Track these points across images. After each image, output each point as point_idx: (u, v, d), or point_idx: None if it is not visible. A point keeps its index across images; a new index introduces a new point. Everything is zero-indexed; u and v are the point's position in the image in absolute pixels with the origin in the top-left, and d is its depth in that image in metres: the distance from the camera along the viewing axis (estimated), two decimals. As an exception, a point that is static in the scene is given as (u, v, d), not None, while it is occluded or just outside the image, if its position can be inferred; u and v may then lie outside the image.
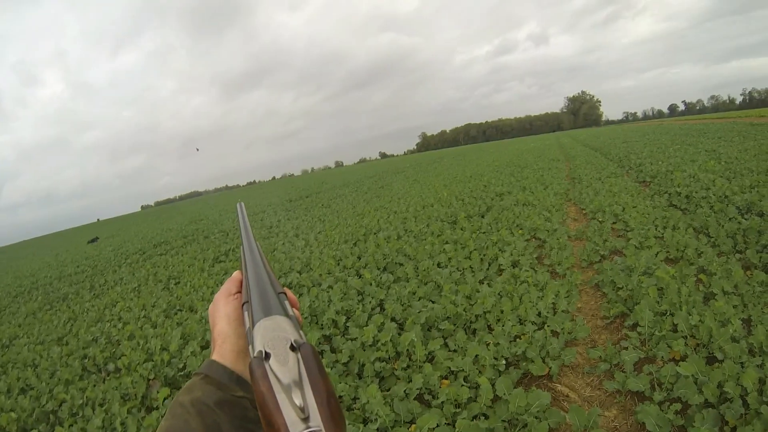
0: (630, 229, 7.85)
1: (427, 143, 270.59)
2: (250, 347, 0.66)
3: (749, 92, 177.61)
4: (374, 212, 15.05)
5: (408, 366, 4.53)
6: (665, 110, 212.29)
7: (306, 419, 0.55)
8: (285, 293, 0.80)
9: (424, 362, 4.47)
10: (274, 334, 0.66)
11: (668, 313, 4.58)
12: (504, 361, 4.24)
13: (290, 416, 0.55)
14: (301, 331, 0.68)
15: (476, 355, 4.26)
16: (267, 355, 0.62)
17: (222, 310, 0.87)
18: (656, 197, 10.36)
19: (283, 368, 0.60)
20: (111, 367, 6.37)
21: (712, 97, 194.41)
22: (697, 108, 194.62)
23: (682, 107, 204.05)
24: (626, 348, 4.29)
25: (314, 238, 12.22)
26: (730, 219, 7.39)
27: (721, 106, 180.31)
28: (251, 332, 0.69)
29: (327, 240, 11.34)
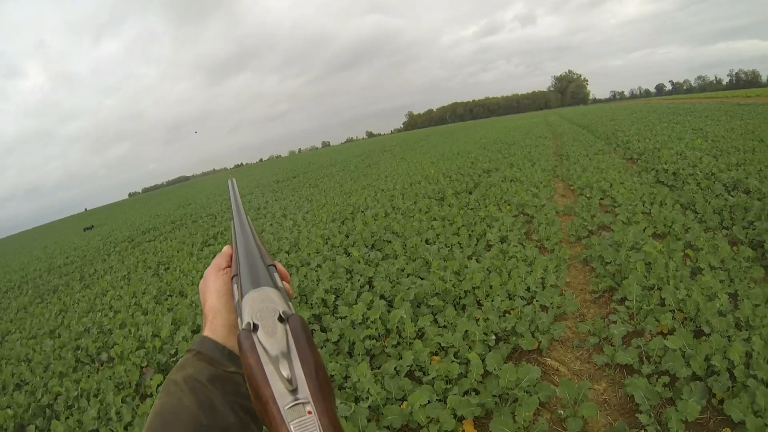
0: (618, 205, 7.89)
1: (414, 122, 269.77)
2: (239, 319, 0.66)
3: (736, 73, 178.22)
4: (361, 191, 15.05)
5: (398, 343, 4.53)
6: (652, 90, 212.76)
7: (294, 391, 0.55)
8: (275, 266, 0.80)
9: (414, 339, 4.48)
10: (262, 305, 0.65)
11: (656, 288, 4.61)
12: (494, 337, 4.25)
13: (278, 388, 0.55)
14: (290, 303, 0.68)
15: (466, 331, 4.26)
16: (255, 327, 0.61)
17: (212, 285, 0.86)
18: (643, 174, 10.39)
19: (271, 340, 0.59)
20: (104, 356, 6.36)
21: (699, 77, 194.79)
22: (684, 88, 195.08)
23: (669, 87, 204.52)
24: (615, 322, 4.32)
25: (302, 218, 12.19)
26: (716, 196, 7.43)
27: (708, 86, 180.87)
28: (240, 304, 0.68)
29: (315, 219, 11.32)
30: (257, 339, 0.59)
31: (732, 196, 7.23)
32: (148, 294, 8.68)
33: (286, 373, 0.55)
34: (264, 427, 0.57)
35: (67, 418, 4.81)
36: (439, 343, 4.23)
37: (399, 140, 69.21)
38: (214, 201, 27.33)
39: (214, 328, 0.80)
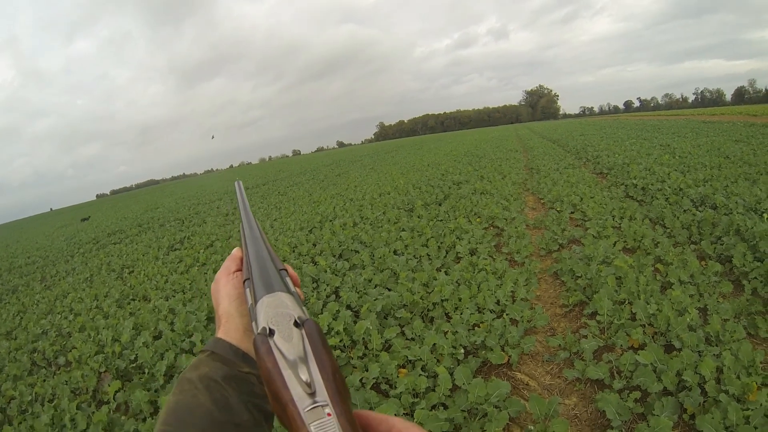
0: (588, 219, 7.90)
1: (385, 133, 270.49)
2: (254, 324, 0.67)
3: (701, 91, 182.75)
4: (330, 200, 14.95)
5: (364, 355, 4.40)
6: (621, 106, 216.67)
7: (313, 394, 0.56)
8: (286, 270, 0.81)
9: (381, 351, 4.34)
10: (277, 310, 0.66)
11: (627, 302, 4.57)
12: (462, 350, 4.14)
13: (297, 391, 0.56)
14: (303, 308, 0.69)
15: (434, 344, 4.15)
16: (271, 332, 0.62)
17: (223, 289, 0.87)
18: (613, 188, 10.44)
19: (288, 344, 0.60)
20: (61, 360, 6.15)
21: (666, 95, 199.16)
22: (652, 105, 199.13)
23: (637, 104, 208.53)
24: (585, 336, 4.25)
25: (270, 225, 12.08)
26: (684, 211, 7.48)
27: (674, 104, 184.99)
28: (254, 309, 0.69)
29: (282, 227, 11.19)
30: (274, 344, 0.60)
31: (700, 211, 7.27)
32: (110, 297, 8.48)
33: (304, 377, 0.57)
34: (276, 426, 0.63)
35: (20, 423, 4.60)
36: (407, 356, 4.10)
37: (370, 150, 69.47)
38: (183, 206, 27.05)
39: (228, 330, 0.81)
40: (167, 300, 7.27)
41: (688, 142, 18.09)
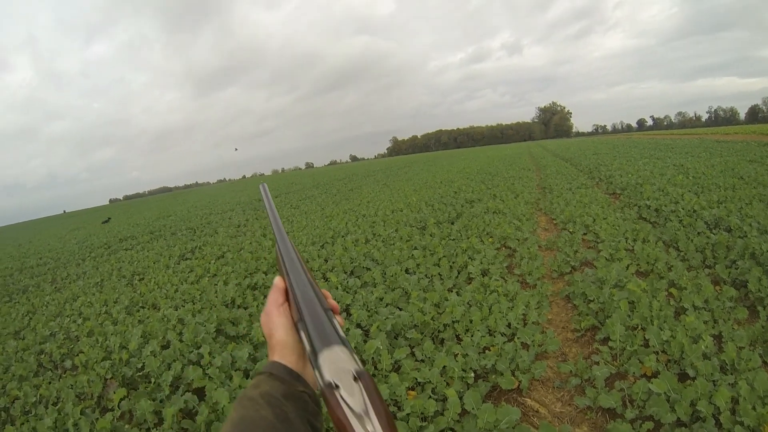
0: (600, 241, 7.83)
1: (398, 148, 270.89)
2: (317, 375, 0.74)
3: (715, 110, 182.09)
4: (343, 215, 14.91)
5: (373, 375, 4.37)
6: (634, 124, 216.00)
7: None
8: (332, 309, 0.88)
9: (390, 372, 4.31)
10: (337, 365, 0.73)
11: (640, 328, 4.51)
12: (473, 374, 4.09)
13: None
14: (356, 357, 0.75)
15: (444, 366, 4.11)
16: (336, 386, 0.70)
17: (276, 321, 0.93)
18: (626, 209, 10.38)
19: (353, 399, 0.68)
20: (68, 363, 6.12)
21: (679, 113, 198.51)
22: (665, 123, 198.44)
23: (650, 122, 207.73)
24: (597, 363, 4.20)
25: (282, 239, 12.00)
26: (699, 233, 7.41)
27: (687, 123, 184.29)
28: (315, 360, 0.76)
29: (294, 241, 11.12)
30: (340, 396, 0.68)
31: (714, 234, 7.21)
32: (119, 303, 8.43)
33: (369, 428, 0.65)
34: None
35: (23, 424, 4.59)
36: (416, 378, 4.07)
37: (382, 165, 69.50)
38: (195, 214, 27.09)
39: (283, 355, 0.89)
40: (176, 309, 7.25)
41: (702, 162, 17.96)
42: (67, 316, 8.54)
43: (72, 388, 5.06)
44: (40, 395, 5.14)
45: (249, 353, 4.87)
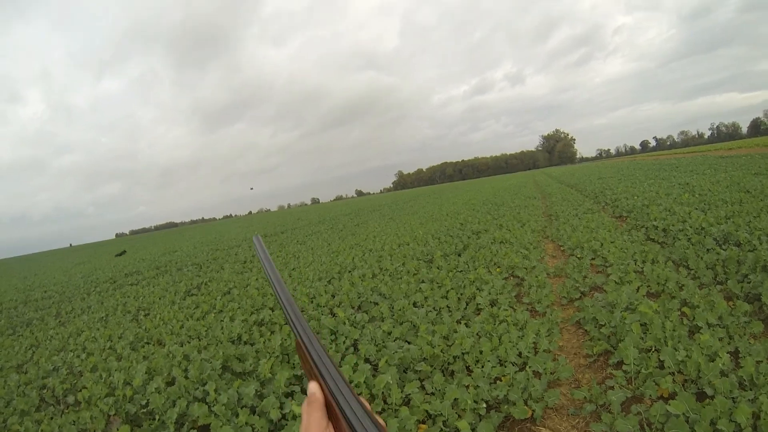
0: (609, 265, 7.75)
1: (404, 181, 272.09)
2: None
3: (716, 126, 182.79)
4: (349, 250, 14.88)
5: (383, 410, 4.26)
6: (637, 146, 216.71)
7: None
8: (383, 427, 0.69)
9: (401, 405, 4.21)
10: None
11: (653, 350, 4.41)
12: (484, 405, 3.99)
13: None
14: None
15: (455, 399, 4.01)
16: None
17: None
18: (633, 232, 10.30)
19: None
20: (71, 399, 6.04)
21: (682, 132, 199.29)
22: (668, 143, 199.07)
23: (653, 143, 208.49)
24: (612, 387, 4.08)
25: (288, 274, 11.98)
26: (708, 250, 7.32)
27: (690, 141, 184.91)
28: None
29: (301, 277, 11.10)
30: None
31: (724, 249, 7.12)
32: (124, 339, 8.36)
33: None
34: None
35: None
36: (427, 411, 3.97)
37: (388, 200, 69.79)
38: (201, 250, 27.09)
39: None
40: (182, 346, 7.18)
41: (707, 178, 17.97)
42: (71, 351, 8.48)
43: (74, 424, 5.01)
44: (42, 431, 5.06)
45: (256, 390, 4.80)
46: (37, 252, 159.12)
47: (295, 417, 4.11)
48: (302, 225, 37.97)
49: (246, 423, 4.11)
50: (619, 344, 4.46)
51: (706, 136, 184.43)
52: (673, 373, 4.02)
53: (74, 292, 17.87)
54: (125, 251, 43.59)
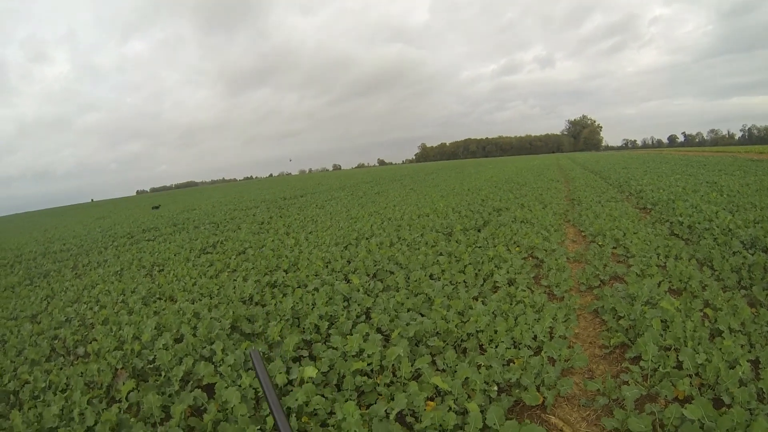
0: (631, 256, 7.62)
1: (426, 154, 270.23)
2: None
3: (749, 128, 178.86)
4: (368, 217, 14.83)
5: (391, 382, 4.22)
6: (665, 140, 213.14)
7: None
8: None
9: (410, 380, 4.17)
10: None
11: (672, 348, 4.30)
12: (496, 387, 3.94)
13: None
14: None
15: (466, 378, 3.95)
16: None
17: None
18: (657, 225, 10.13)
19: None
20: (80, 350, 6.09)
21: (712, 130, 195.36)
22: (697, 140, 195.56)
23: (681, 138, 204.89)
24: (627, 383, 4.00)
25: (304, 238, 11.98)
26: (734, 253, 7.17)
27: (720, 140, 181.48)
28: None
29: (317, 241, 11.09)
30: None
31: (751, 254, 6.96)
32: (137, 293, 8.40)
33: None
34: None
35: (30, 409, 4.52)
36: (436, 387, 3.92)
37: (410, 171, 69.50)
38: (219, 210, 27.25)
39: None
40: (193, 303, 7.18)
41: (736, 180, 17.57)
42: (85, 303, 8.54)
43: (82, 376, 5.01)
44: (50, 381, 5.07)
45: (263, 353, 4.77)
46: (60, 206, 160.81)
47: (303, 382, 4.06)
48: (322, 190, 38.03)
49: (250, 385, 4.07)
50: (638, 339, 4.35)
51: (736, 137, 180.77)
52: (691, 376, 3.92)
53: (92, 245, 18.07)
54: (160, 205, 45.68)
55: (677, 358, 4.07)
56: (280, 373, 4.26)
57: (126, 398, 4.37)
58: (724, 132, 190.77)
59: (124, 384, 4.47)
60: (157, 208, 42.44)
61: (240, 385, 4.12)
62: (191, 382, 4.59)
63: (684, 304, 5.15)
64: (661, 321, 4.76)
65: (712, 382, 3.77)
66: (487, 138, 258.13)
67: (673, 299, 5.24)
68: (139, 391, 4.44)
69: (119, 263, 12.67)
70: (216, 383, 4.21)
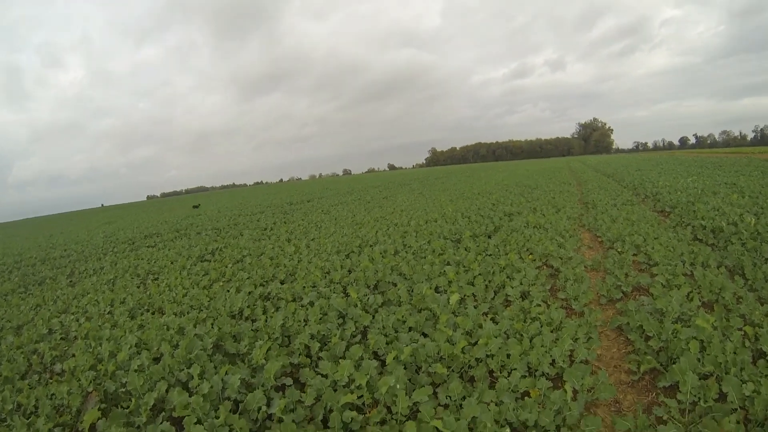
0: (654, 264, 7.04)
1: (437, 158, 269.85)
2: None
3: (761, 129, 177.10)
4: (374, 222, 14.43)
5: (384, 421, 3.64)
6: (676, 142, 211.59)
7: None
8: None
9: (407, 419, 3.59)
10: None
11: (713, 376, 3.71)
12: (508, 429, 3.34)
13: None
14: None
15: (473, 417, 3.35)
16: None
17: None
18: (679, 229, 9.55)
19: None
20: (57, 367, 5.83)
21: (724, 131, 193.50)
22: (708, 142, 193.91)
23: (693, 140, 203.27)
24: (663, 420, 3.40)
25: (306, 245, 11.57)
26: (766, 260, 6.55)
27: (732, 141, 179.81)
28: None
29: (319, 249, 10.65)
30: None
31: (786, 261, 6.35)
32: (125, 305, 8.10)
33: None
34: None
35: None
36: (437, 429, 3.32)
37: (420, 175, 69.40)
38: (223, 215, 27.13)
39: None
40: (180, 317, 6.79)
41: (755, 181, 16.92)
42: (72, 314, 8.30)
43: (51, 399, 4.69)
44: (18, 403, 4.76)
45: (243, 379, 4.24)
46: (69, 211, 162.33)
47: (281, 420, 3.51)
48: (330, 194, 38.07)
49: (225, 422, 3.53)
50: (673, 366, 3.74)
51: (748, 138, 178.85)
52: (736, 409, 3.33)
53: (92, 252, 17.81)
54: (200, 204, 49.43)
55: (719, 389, 3.48)
56: (259, 404, 3.75)
57: (88, 429, 3.99)
58: (736, 133, 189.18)
59: (91, 410, 4.10)
60: (197, 207, 45.19)
61: (214, 422, 3.56)
62: (164, 410, 4.13)
63: (720, 321, 4.55)
64: (698, 341, 4.15)
65: (761, 417, 3.19)
66: (497, 142, 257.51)
67: (708, 315, 4.62)
68: (106, 419, 4.02)
69: (114, 271, 12.40)
70: (185, 418, 3.66)
